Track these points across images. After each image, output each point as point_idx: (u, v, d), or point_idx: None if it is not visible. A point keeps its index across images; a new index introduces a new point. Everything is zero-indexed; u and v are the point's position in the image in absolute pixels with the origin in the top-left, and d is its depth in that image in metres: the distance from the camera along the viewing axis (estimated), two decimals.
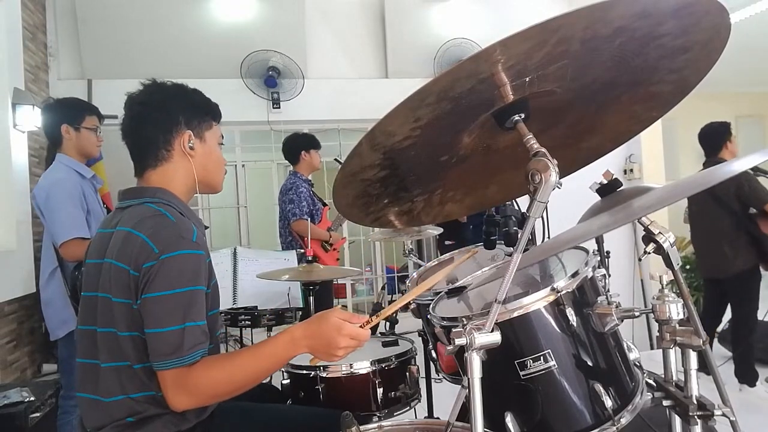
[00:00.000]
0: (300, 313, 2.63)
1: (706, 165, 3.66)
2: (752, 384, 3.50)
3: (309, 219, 3.56)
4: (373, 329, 2.00)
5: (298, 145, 3.77)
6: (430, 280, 1.23)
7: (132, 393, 1.18)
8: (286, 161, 5.33)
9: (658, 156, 5.05)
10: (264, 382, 2.16)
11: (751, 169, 3.22)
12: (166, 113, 1.31)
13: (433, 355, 1.76)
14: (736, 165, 1.04)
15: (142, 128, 1.32)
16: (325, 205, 3.85)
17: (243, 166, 5.28)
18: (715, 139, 3.65)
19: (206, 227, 1.45)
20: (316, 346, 1.16)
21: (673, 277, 1.05)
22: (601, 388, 0.98)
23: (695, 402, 0.98)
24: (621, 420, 0.99)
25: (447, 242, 3.94)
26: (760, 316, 4.10)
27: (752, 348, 3.62)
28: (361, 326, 1.16)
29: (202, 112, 1.36)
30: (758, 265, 3.53)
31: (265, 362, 1.17)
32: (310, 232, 3.51)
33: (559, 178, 0.87)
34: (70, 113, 2.42)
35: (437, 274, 1.23)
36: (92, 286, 1.25)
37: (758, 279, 3.58)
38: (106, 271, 1.21)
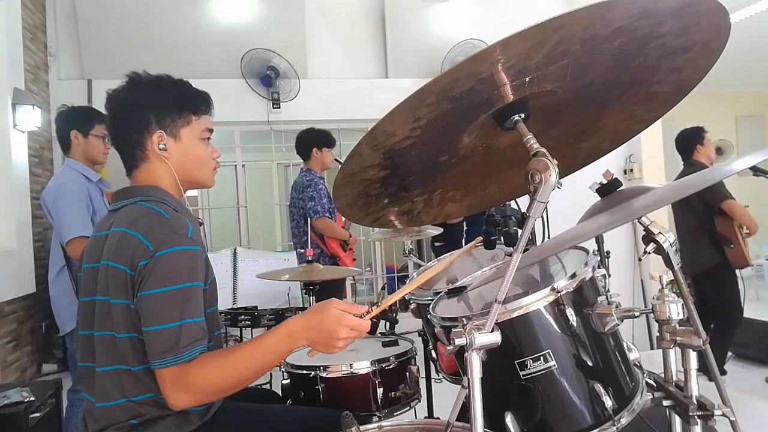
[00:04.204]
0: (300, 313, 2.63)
1: (683, 169, 3.77)
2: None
3: (330, 217, 3.49)
4: (374, 328, 2.02)
5: (310, 142, 3.63)
6: (432, 270, 1.23)
7: (133, 396, 1.18)
8: (286, 161, 5.32)
9: (658, 156, 5.05)
10: (264, 387, 2.16)
11: (751, 168, 3.22)
12: (136, 113, 1.28)
13: (433, 355, 1.76)
14: (736, 165, 1.04)
15: (118, 129, 1.31)
16: None
17: (243, 166, 5.29)
18: (686, 145, 3.78)
19: (201, 223, 1.43)
20: (316, 338, 1.13)
21: (673, 277, 1.05)
22: (601, 388, 0.98)
23: (695, 402, 0.98)
24: (621, 420, 0.99)
25: (437, 244, 3.92)
26: (759, 316, 4.09)
27: (726, 350, 3.65)
28: (360, 316, 1.14)
29: (176, 107, 1.29)
30: (723, 263, 3.56)
31: (264, 357, 1.15)
32: (329, 229, 3.50)
33: (559, 178, 0.87)
34: (80, 120, 2.55)
35: (439, 264, 1.23)
36: (89, 290, 1.24)
37: (729, 276, 3.60)
38: (102, 274, 1.20)
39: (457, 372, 1.59)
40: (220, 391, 1.17)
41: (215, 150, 1.39)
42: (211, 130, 1.37)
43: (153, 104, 1.28)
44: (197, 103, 1.33)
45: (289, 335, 1.15)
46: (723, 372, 3.59)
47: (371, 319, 1.97)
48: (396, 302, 1.34)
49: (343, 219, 3.74)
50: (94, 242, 1.27)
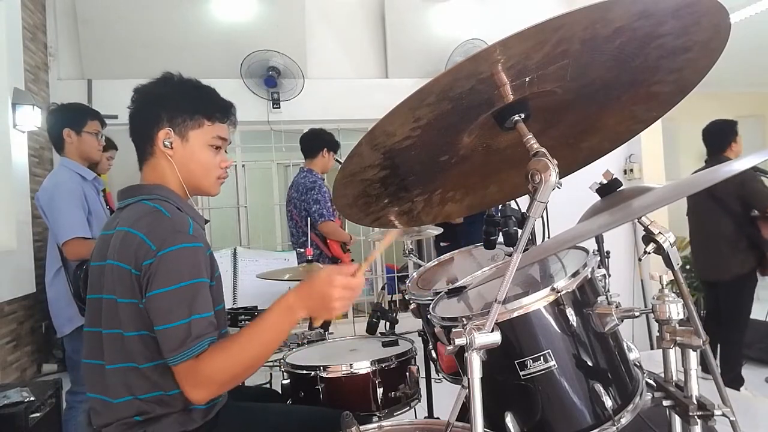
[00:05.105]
0: None
1: (709, 163, 3.56)
2: (737, 389, 3.48)
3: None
4: (374, 328, 2.02)
5: (322, 142, 3.60)
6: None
7: (139, 394, 1.19)
8: (286, 161, 5.30)
9: (658, 156, 5.05)
10: (265, 386, 2.17)
11: (751, 168, 3.20)
12: (150, 108, 1.31)
13: (433, 355, 1.76)
14: (736, 165, 1.04)
15: (134, 121, 1.34)
16: None
17: (243, 166, 5.28)
18: (721, 138, 3.56)
19: (207, 221, 1.43)
20: (312, 305, 1.16)
21: (673, 277, 1.05)
22: (601, 388, 0.98)
23: (695, 402, 0.98)
24: (621, 420, 0.99)
25: (442, 243, 3.91)
26: (760, 316, 4.07)
27: (741, 355, 3.59)
28: (352, 275, 1.16)
29: (190, 109, 1.31)
30: (755, 270, 3.46)
31: (269, 335, 1.17)
32: (334, 233, 3.51)
33: (559, 178, 0.87)
34: (72, 117, 2.49)
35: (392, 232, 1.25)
36: (96, 288, 1.25)
37: (753, 284, 3.51)
38: (109, 273, 1.21)
39: (457, 372, 1.59)
40: (232, 378, 1.17)
41: (225, 159, 1.38)
42: (224, 139, 1.37)
43: (168, 102, 1.30)
44: (213, 109, 1.34)
45: (288, 309, 1.17)
46: (741, 380, 3.52)
47: (373, 318, 1.98)
48: (396, 302, 1.35)
49: (340, 218, 3.74)
50: (102, 240, 1.29)
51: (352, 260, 3.84)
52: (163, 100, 1.30)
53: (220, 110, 1.35)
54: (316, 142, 3.62)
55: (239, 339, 1.17)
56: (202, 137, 1.33)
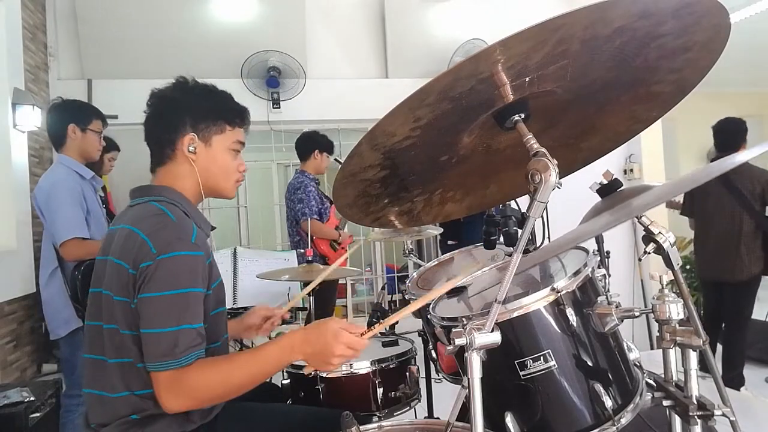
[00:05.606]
0: (300, 313, 2.62)
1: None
2: (737, 389, 3.48)
3: (318, 218, 3.56)
4: None
5: (314, 144, 3.72)
6: (434, 293, 1.22)
7: (136, 390, 1.19)
8: (286, 161, 5.31)
9: (658, 156, 5.05)
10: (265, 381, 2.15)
11: None
12: (173, 112, 1.32)
13: (433, 355, 1.76)
14: (738, 158, 1.04)
15: (152, 124, 1.34)
16: (332, 203, 3.85)
17: None
18: (735, 137, 3.50)
19: (213, 228, 1.44)
20: (312, 353, 1.15)
21: (673, 277, 1.05)
22: (601, 388, 0.98)
23: (695, 402, 0.98)
24: (621, 420, 0.99)
25: (450, 242, 3.94)
26: (761, 316, 4.07)
27: (744, 355, 3.58)
28: (361, 336, 1.15)
29: (213, 115, 1.33)
30: (763, 271, 3.44)
31: (261, 366, 1.17)
32: (319, 231, 3.56)
33: (559, 178, 0.87)
34: (78, 114, 2.46)
35: (438, 289, 1.22)
36: (98, 282, 1.26)
37: (757, 284, 3.50)
38: (109, 269, 1.22)
39: (457, 372, 1.59)
40: (215, 397, 1.17)
41: (242, 163, 1.42)
42: (242, 143, 1.40)
43: (192, 107, 1.32)
44: (234, 115, 1.37)
45: (289, 347, 1.16)
46: (742, 380, 3.52)
47: (373, 318, 1.97)
48: (396, 302, 1.35)
49: (339, 218, 3.77)
50: (108, 236, 1.30)
51: (347, 259, 3.85)
52: (185, 105, 1.32)
53: (239, 115, 1.39)
54: (308, 144, 3.73)
55: (232, 361, 1.18)
56: (224, 142, 1.36)
